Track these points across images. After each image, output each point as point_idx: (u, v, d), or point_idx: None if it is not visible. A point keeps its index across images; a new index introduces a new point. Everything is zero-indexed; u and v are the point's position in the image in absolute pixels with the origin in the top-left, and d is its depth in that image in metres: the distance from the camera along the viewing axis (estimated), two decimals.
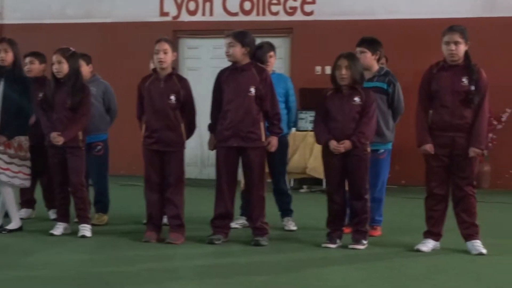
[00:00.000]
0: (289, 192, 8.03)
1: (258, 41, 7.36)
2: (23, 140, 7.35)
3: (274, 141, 6.96)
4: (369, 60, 7.22)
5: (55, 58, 7.19)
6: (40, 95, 7.37)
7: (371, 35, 7.59)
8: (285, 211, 7.93)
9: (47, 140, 7.22)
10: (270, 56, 7.75)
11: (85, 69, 7.92)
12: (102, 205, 8.15)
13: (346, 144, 6.57)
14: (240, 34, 6.94)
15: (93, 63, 8.14)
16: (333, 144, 6.60)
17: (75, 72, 7.25)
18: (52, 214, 8.08)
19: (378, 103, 6.97)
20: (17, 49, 7.43)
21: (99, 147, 8.00)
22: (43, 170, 7.92)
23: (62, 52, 7.22)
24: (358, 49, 7.23)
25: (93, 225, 7.61)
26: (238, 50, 6.88)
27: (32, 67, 7.93)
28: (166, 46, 6.93)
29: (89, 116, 7.36)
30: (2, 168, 7.22)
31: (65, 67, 7.17)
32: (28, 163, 7.42)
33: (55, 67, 7.18)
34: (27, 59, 8.06)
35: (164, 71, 6.97)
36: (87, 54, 8.12)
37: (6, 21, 13.82)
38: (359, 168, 6.70)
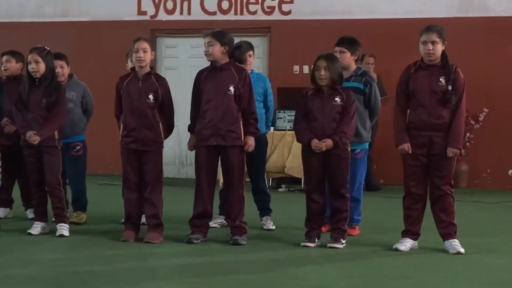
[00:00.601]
0: (268, 191, 8.05)
1: (236, 40, 7.37)
2: None
3: (250, 141, 6.95)
4: (348, 60, 7.24)
5: (31, 57, 7.14)
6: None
7: (349, 35, 7.61)
8: (264, 210, 7.93)
9: (22, 139, 7.17)
10: (249, 55, 7.75)
11: (66, 70, 7.92)
12: (80, 204, 8.11)
13: (328, 143, 6.59)
14: (219, 33, 6.95)
15: (70, 62, 8.10)
16: (315, 142, 6.62)
17: (51, 71, 7.21)
18: (29, 214, 8.05)
19: (355, 103, 6.99)
20: None
21: (78, 147, 7.97)
22: (19, 170, 7.91)
23: (39, 52, 7.17)
24: (338, 48, 7.25)
25: (72, 223, 7.61)
26: (217, 49, 6.88)
27: (9, 66, 7.89)
28: (146, 45, 6.92)
29: (65, 115, 7.33)
30: None
31: (42, 67, 7.13)
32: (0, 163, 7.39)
33: (31, 67, 7.13)
34: (4, 58, 8.02)
35: (142, 70, 6.96)
36: (64, 54, 8.10)
37: None
38: (340, 167, 6.72)
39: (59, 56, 7.92)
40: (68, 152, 7.87)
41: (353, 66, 7.33)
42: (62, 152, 7.67)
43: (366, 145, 7.46)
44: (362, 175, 7.51)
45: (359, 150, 7.17)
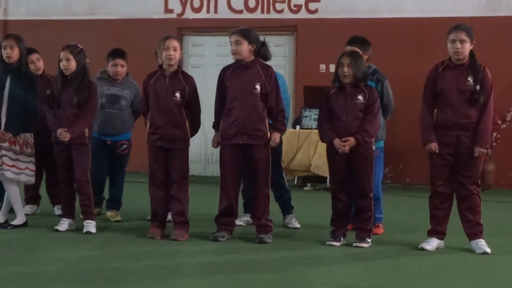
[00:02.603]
0: (287, 187, 8.04)
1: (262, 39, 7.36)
2: (29, 137, 7.36)
3: (277, 137, 6.97)
4: (363, 59, 7.20)
5: (63, 55, 7.19)
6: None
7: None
8: (286, 209, 7.95)
9: (53, 136, 7.23)
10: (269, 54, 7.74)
11: (125, 69, 8.09)
12: (116, 202, 8.17)
13: (350, 141, 6.58)
14: (246, 31, 6.94)
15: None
16: (337, 142, 6.62)
17: (82, 69, 7.26)
18: (57, 210, 8.11)
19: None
20: (23, 45, 7.41)
21: (124, 146, 8.04)
22: (47, 167, 7.96)
23: (70, 49, 7.22)
24: (349, 47, 7.21)
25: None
26: (245, 48, 6.87)
27: (40, 65, 7.95)
28: (176, 44, 6.95)
29: (95, 113, 7.39)
30: (8, 165, 7.23)
31: (73, 64, 7.18)
32: (33, 159, 7.43)
33: (63, 64, 7.18)
34: (35, 56, 8.07)
35: (170, 68, 6.98)
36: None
37: (11, 17, 13.84)
38: (363, 166, 6.71)
39: (120, 54, 8.10)
40: (115, 150, 7.96)
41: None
42: (109, 149, 7.74)
43: (382, 143, 7.42)
44: (380, 173, 7.49)
45: (374, 148, 7.13)
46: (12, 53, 7.30)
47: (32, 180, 7.50)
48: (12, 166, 7.25)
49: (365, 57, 7.17)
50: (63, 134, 7.08)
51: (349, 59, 6.67)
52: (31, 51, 8.04)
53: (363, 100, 6.67)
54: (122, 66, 8.04)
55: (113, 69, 7.97)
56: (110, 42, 9.84)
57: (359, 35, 7.52)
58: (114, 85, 7.90)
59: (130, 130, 8.16)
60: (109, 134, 7.82)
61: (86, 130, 7.25)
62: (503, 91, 10.72)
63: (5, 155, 7.22)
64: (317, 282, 5.34)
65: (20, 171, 7.32)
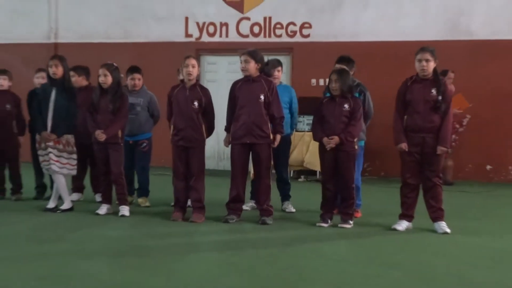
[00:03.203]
0: (289, 181, 8.04)
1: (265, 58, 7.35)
2: (70, 137, 7.38)
3: (278, 138, 6.96)
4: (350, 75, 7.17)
5: (101, 71, 7.22)
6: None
7: (354, 54, 7.58)
8: (285, 197, 7.96)
9: (92, 137, 7.24)
10: (278, 71, 7.74)
11: (141, 82, 8.09)
12: (144, 190, 8.16)
13: (335, 139, 6.61)
14: (253, 52, 6.94)
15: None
16: (325, 140, 6.66)
17: (117, 83, 7.28)
18: (97, 197, 8.10)
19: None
20: (66, 64, 7.44)
21: (144, 144, 8.01)
22: (91, 162, 7.97)
23: (107, 67, 7.25)
24: (338, 65, 7.20)
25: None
26: (252, 66, 6.88)
27: (106, 80, 7.69)
28: (194, 62, 6.96)
29: (126, 118, 7.39)
30: (53, 160, 7.27)
31: (109, 79, 7.20)
32: (74, 156, 7.44)
33: (101, 79, 7.21)
34: (135, 75, 8.10)
35: (190, 81, 6.98)
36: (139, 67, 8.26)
37: (60, 40, 13.82)
38: (347, 162, 6.71)
39: (137, 70, 8.12)
40: (137, 148, 7.94)
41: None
42: (132, 148, 7.74)
43: (363, 143, 7.38)
44: (360, 168, 7.44)
45: (357, 146, 7.10)
46: (57, 71, 7.32)
47: (73, 172, 7.52)
48: (57, 161, 7.29)
49: (351, 73, 7.16)
50: (100, 135, 7.11)
51: (336, 76, 6.70)
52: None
53: (348, 108, 6.68)
54: (139, 79, 8.06)
55: (132, 82, 7.99)
56: (140, 61, 9.86)
57: (346, 55, 7.47)
58: (131, 95, 7.87)
59: (149, 131, 8.11)
60: (130, 135, 7.79)
61: (119, 132, 7.26)
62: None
63: (51, 152, 7.27)
64: (310, 256, 5.36)
65: (63, 165, 7.35)
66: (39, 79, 8.32)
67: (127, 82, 8.04)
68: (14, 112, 8.51)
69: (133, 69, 8.11)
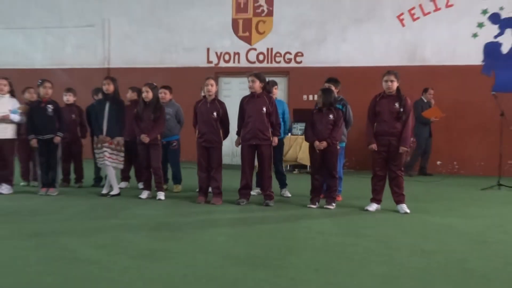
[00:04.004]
0: (284, 172, 8.02)
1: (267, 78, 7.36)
2: (120, 139, 7.40)
3: (276, 139, 6.98)
4: (333, 92, 7.16)
5: (144, 89, 7.28)
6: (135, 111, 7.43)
7: (336, 76, 7.58)
8: (283, 185, 7.94)
9: (138, 139, 7.27)
10: (275, 89, 7.75)
11: (168, 96, 8.05)
12: (177, 179, 8.16)
13: (323, 144, 6.60)
14: (259, 74, 6.96)
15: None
16: (316, 143, 6.64)
17: (156, 98, 7.31)
18: (140, 185, 8.14)
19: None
20: (116, 83, 7.48)
21: (174, 144, 7.99)
22: (135, 158, 7.99)
23: (149, 85, 7.30)
24: (326, 84, 7.20)
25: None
26: (258, 85, 6.89)
27: (148, 95, 7.41)
28: (213, 82, 6.99)
29: (164, 125, 7.41)
30: (107, 157, 7.31)
31: (150, 95, 7.23)
32: (122, 154, 7.48)
33: (144, 95, 7.26)
34: (163, 90, 8.03)
35: (210, 97, 7.00)
36: (170, 86, 8.24)
37: (112, 66, 13.87)
38: (332, 158, 6.71)
39: (167, 87, 8.12)
40: (169, 147, 7.96)
41: (335, 95, 7.25)
42: (164, 147, 7.76)
43: (344, 144, 7.34)
44: (342, 163, 7.42)
45: (338, 147, 7.11)
46: (109, 88, 7.36)
47: (121, 166, 7.57)
48: (109, 157, 7.34)
49: (336, 90, 7.15)
50: (144, 138, 7.13)
51: (321, 93, 6.73)
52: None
53: (332, 118, 6.66)
54: (165, 93, 8.01)
55: (162, 95, 7.95)
56: (172, 82, 9.89)
57: (334, 77, 7.45)
58: None
59: (177, 133, 8.06)
60: (163, 137, 7.77)
61: (158, 136, 7.29)
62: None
63: (106, 151, 7.31)
64: (302, 230, 5.36)
65: (113, 161, 7.40)
66: (98, 96, 8.31)
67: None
68: (78, 121, 8.57)
69: (163, 86, 8.11)
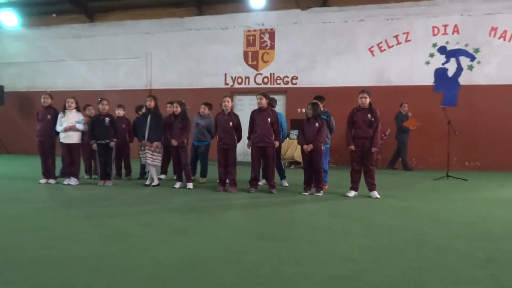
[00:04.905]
0: (283, 167, 7.93)
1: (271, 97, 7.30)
2: (158, 143, 7.38)
3: (278, 143, 6.92)
4: (320, 106, 7.12)
5: (175, 105, 7.24)
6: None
7: (322, 94, 7.53)
8: (282, 176, 7.85)
9: (170, 143, 7.24)
10: (276, 104, 7.69)
11: (207, 111, 7.92)
12: (204, 174, 8.07)
13: (310, 146, 6.56)
14: (265, 93, 6.92)
15: (196, 111, 8.11)
16: (304, 146, 6.60)
17: (183, 112, 7.28)
18: (175, 177, 8.07)
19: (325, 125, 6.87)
20: (156, 100, 7.46)
21: (202, 148, 7.90)
22: (169, 157, 7.96)
23: (178, 102, 7.27)
24: (315, 100, 7.15)
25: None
26: (264, 101, 6.85)
27: (177, 110, 7.32)
28: (229, 99, 6.95)
29: (189, 132, 7.37)
30: (148, 157, 7.30)
31: (179, 109, 7.21)
32: (160, 155, 7.46)
33: (174, 109, 7.23)
34: (203, 105, 7.95)
35: (227, 110, 6.96)
36: (210, 103, 8.12)
37: (153, 87, 13.89)
38: (317, 157, 6.64)
39: (207, 104, 7.99)
40: (199, 150, 7.91)
41: (321, 109, 7.20)
42: (195, 148, 7.70)
43: (328, 146, 7.27)
44: (327, 160, 7.35)
45: (324, 148, 7.05)
46: (151, 104, 7.35)
47: (159, 164, 7.51)
48: (150, 157, 7.33)
49: (322, 105, 7.11)
50: (174, 142, 7.11)
51: (310, 106, 6.67)
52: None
53: (317, 125, 6.61)
54: (204, 109, 7.97)
55: (201, 110, 7.94)
56: (199, 99, 9.89)
57: (320, 94, 7.44)
58: (198, 118, 7.88)
59: (207, 140, 7.97)
60: (197, 140, 7.75)
61: (185, 140, 7.25)
62: (383, 122, 10.63)
63: (148, 152, 7.29)
64: (298, 211, 5.34)
65: (153, 160, 7.37)
66: (141, 111, 8.28)
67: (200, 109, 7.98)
68: (126, 129, 8.56)
69: (204, 103, 8.03)
